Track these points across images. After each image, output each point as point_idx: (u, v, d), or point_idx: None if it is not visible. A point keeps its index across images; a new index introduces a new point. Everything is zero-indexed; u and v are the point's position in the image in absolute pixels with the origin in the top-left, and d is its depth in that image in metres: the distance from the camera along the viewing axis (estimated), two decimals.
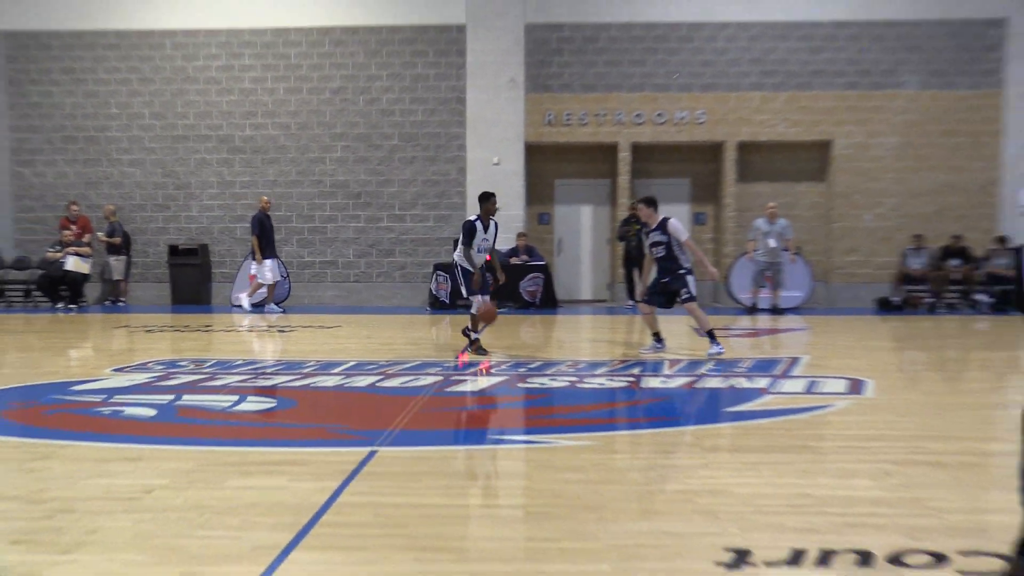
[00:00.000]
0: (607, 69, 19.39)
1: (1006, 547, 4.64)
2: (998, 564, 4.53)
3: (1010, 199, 19.40)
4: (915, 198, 19.53)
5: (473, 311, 11.48)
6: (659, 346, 11.95)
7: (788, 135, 19.48)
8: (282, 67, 19.71)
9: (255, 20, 19.67)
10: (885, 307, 18.83)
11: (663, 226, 11.73)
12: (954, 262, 18.98)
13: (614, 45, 19.34)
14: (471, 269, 11.58)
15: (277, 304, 18.38)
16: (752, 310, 18.15)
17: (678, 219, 12.22)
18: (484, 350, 11.54)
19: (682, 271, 11.76)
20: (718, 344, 11.58)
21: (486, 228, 11.66)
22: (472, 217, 11.82)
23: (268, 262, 18.05)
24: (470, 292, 11.53)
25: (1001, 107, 19.25)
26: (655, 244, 11.78)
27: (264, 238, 17.93)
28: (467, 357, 11.20)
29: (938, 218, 19.50)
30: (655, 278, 12.07)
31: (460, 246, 11.74)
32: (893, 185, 19.53)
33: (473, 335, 11.53)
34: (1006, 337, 14.91)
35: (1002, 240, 18.80)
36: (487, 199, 11.82)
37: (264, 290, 18.27)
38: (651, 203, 11.85)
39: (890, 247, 19.51)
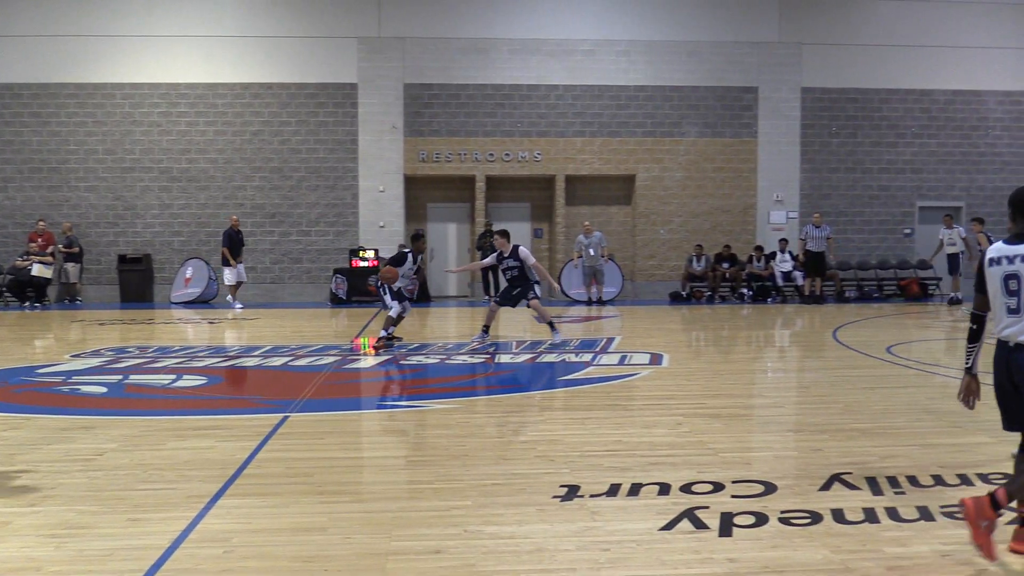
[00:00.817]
0: (467, 119, 19.53)
1: (766, 475, 5.06)
2: (760, 487, 4.86)
3: (763, 218, 20.22)
4: (696, 218, 20.15)
5: (391, 314, 11.18)
6: (485, 336, 11.64)
7: (603, 170, 19.88)
8: (212, 114, 19.26)
9: (190, 76, 19.18)
10: (676, 299, 19.35)
11: (515, 253, 11.61)
12: (725, 265, 19.54)
13: (472, 101, 19.50)
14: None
15: (228, 301, 17.93)
16: (589, 302, 18.48)
17: (525, 245, 12.44)
18: (396, 338, 11.44)
19: (529, 283, 11.63)
20: (557, 332, 11.53)
21: (414, 260, 11.46)
22: (407, 250, 11.77)
23: (239, 267, 17.73)
24: (395, 298, 11.21)
25: (756, 151, 20.07)
26: (509, 268, 11.67)
27: (231, 249, 17.57)
28: (377, 343, 10.97)
29: (713, 232, 20.14)
30: (507, 288, 11.97)
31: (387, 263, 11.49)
32: (680, 208, 20.10)
33: (384, 332, 11.17)
34: (762, 320, 15.60)
35: (759, 249, 19.57)
36: (419, 238, 11.80)
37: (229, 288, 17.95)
38: (505, 235, 11.85)
39: (679, 254, 20.08)
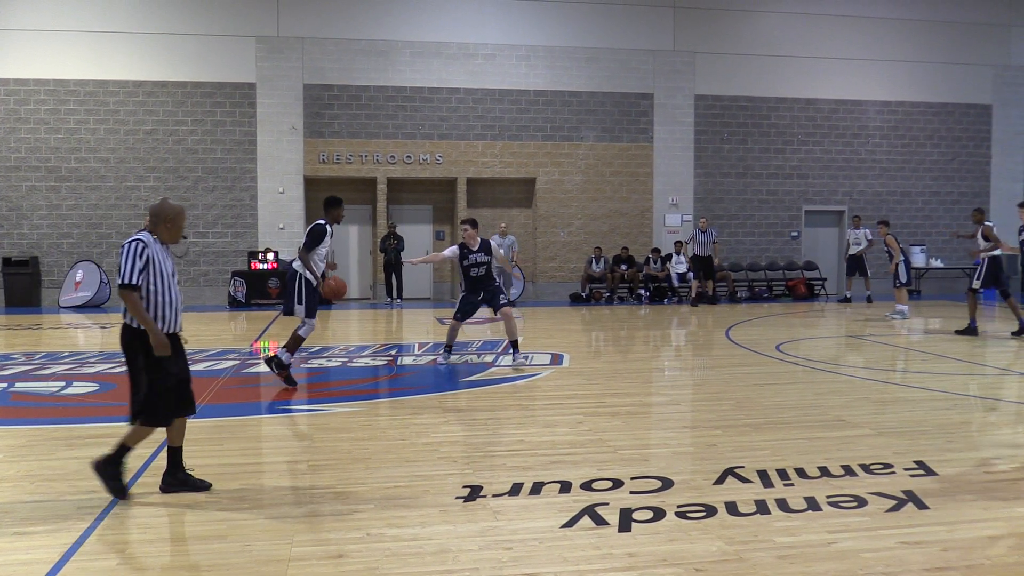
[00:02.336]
0: (368, 121, 19.34)
1: (663, 471, 5.17)
2: (657, 483, 4.97)
3: (659, 221, 20.67)
4: (595, 220, 20.45)
5: (301, 333, 8.40)
6: (448, 355, 9.97)
7: (504, 173, 19.98)
8: (102, 112, 18.53)
9: (79, 72, 18.40)
10: (576, 300, 19.57)
11: (486, 248, 9.85)
12: (623, 266, 19.86)
13: (373, 103, 19.32)
14: (313, 280, 8.30)
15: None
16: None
17: (443, 247, 11.50)
18: (293, 381, 8.40)
19: (496, 284, 9.94)
20: (519, 352, 9.84)
21: (331, 235, 8.46)
22: (321, 221, 8.51)
23: None
24: (309, 312, 8.34)
25: (652, 156, 20.52)
26: (476, 265, 9.75)
27: None
28: (279, 370, 8.40)
29: (611, 235, 20.49)
30: (466, 295, 9.87)
31: (302, 251, 8.33)
32: (579, 211, 20.36)
33: (285, 357, 8.36)
34: (658, 320, 15.93)
35: (656, 251, 19.97)
36: (337, 205, 8.68)
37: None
38: (473, 224, 9.91)
39: (578, 256, 20.34)
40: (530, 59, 19.87)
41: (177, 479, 4.91)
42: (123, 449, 4.80)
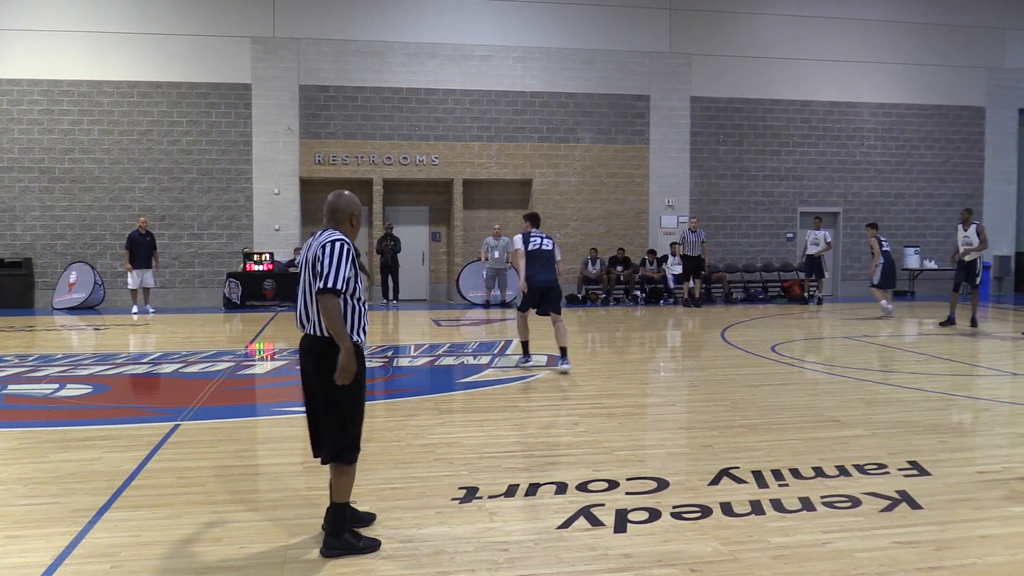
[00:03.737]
0: (364, 122, 19.33)
1: (658, 472, 5.18)
2: (653, 484, 4.98)
3: (655, 223, 20.69)
4: (591, 221, 20.46)
5: None
6: (527, 358, 9.96)
7: (500, 175, 19.98)
8: (96, 112, 18.49)
9: (73, 73, 18.36)
10: (572, 301, 19.53)
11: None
12: (619, 268, 19.86)
13: (369, 104, 19.31)
14: None
15: (139, 308, 17.17)
16: (487, 305, 18.49)
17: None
18: None
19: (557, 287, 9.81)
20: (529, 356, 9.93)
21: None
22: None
23: (141, 272, 16.98)
24: None
25: (648, 157, 20.54)
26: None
27: (132, 252, 16.85)
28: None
29: (607, 236, 20.50)
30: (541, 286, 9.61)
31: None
32: (575, 212, 20.37)
33: None
34: (654, 322, 15.94)
35: (651, 252, 19.98)
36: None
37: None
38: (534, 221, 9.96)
39: (575, 257, 20.34)
40: (526, 60, 19.88)
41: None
42: (341, 511, 4.08)
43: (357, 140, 19.31)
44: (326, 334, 3.97)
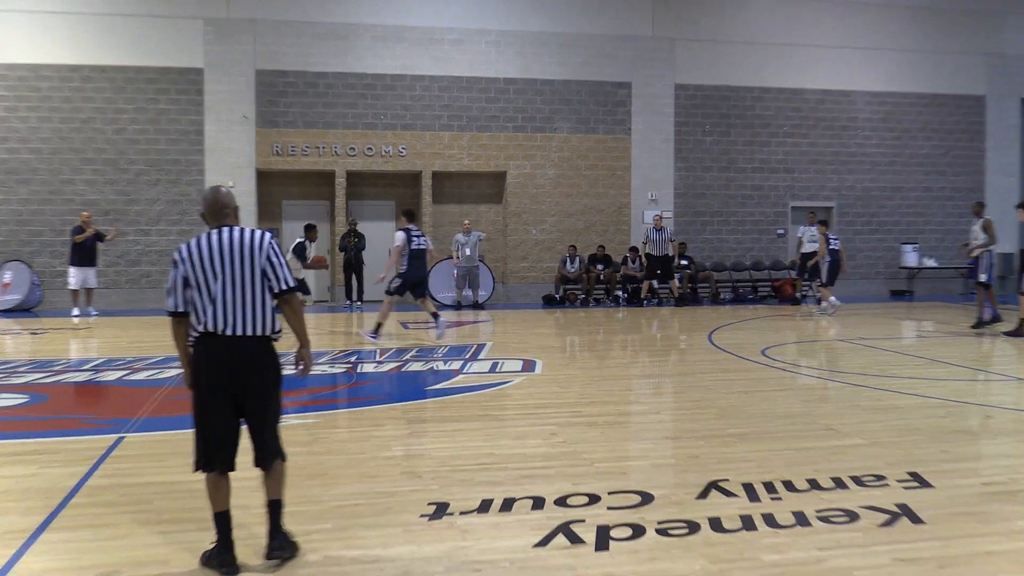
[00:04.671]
0: (326, 110, 19.22)
1: (643, 485, 5.17)
2: (637, 498, 4.96)
3: (638, 218, 20.73)
4: (569, 217, 20.48)
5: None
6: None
7: (472, 167, 19.96)
8: (35, 98, 18.24)
9: (9, 56, 18.10)
10: (549, 302, 19.59)
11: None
12: (599, 266, 19.92)
13: (331, 90, 19.21)
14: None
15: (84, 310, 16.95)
16: (458, 306, 18.47)
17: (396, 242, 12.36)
18: None
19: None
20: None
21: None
22: (301, 239, 14.35)
23: (82, 271, 16.75)
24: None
25: (630, 148, 20.59)
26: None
27: (72, 250, 16.78)
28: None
29: (587, 232, 20.53)
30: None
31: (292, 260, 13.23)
32: (553, 207, 20.39)
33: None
34: (637, 323, 15.97)
35: (634, 250, 20.01)
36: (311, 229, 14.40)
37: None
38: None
39: (552, 255, 20.36)
40: (500, 45, 19.86)
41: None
42: (277, 509, 4.20)
43: (318, 129, 19.21)
44: (271, 334, 4.18)
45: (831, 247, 16.43)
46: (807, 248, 18.83)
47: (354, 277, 18.76)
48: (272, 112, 19.08)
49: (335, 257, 19.49)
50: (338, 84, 19.27)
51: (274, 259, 4.16)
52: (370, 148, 19.42)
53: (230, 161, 18.86)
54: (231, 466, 4.14)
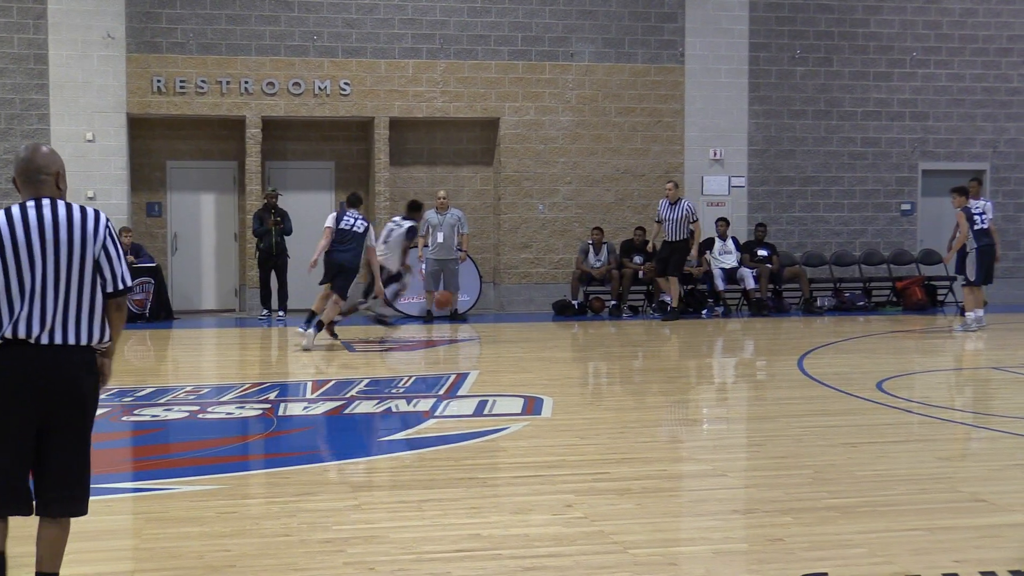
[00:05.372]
0: (231, 27, 19.20)
1: None
2: None
3: (694, 187, 20.72)
4: (593, 186, 20.48)
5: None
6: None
7: (448, 111, 19.95)
8: None
9: None
10: (563, 311, 19.52)
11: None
12: (637, 259, 19.81)
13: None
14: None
15: None
16: (429, 318, 18.41)
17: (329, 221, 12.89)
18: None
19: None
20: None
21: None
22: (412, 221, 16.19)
23: None
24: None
25: (683, 85, 20.60)
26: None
27: None
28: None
29: (619, 209, 20.51)
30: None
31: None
32: (568, 170, 20.39)
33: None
34: (692, 344, 15.92)
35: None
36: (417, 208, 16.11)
37: None
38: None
39: (567, 242, 20.37)
40: None
41: None
42: None
43: (220, 55, 19.19)
44: (98, 344, 4.38)
45: (978, 226, 16.20)
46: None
47: (274, 275, 18.70)
48: (152, 30, 19.05)
49: (244, 246, 19.45)
50: None
51: (111, 249, 4.38)
52: (297, 83, 19.40)
53: (87, 103, 18.86)
54: (18, 509, 4.35)
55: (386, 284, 15.28)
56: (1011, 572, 5.39)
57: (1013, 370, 12.79)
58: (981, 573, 5.38)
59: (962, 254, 16.31)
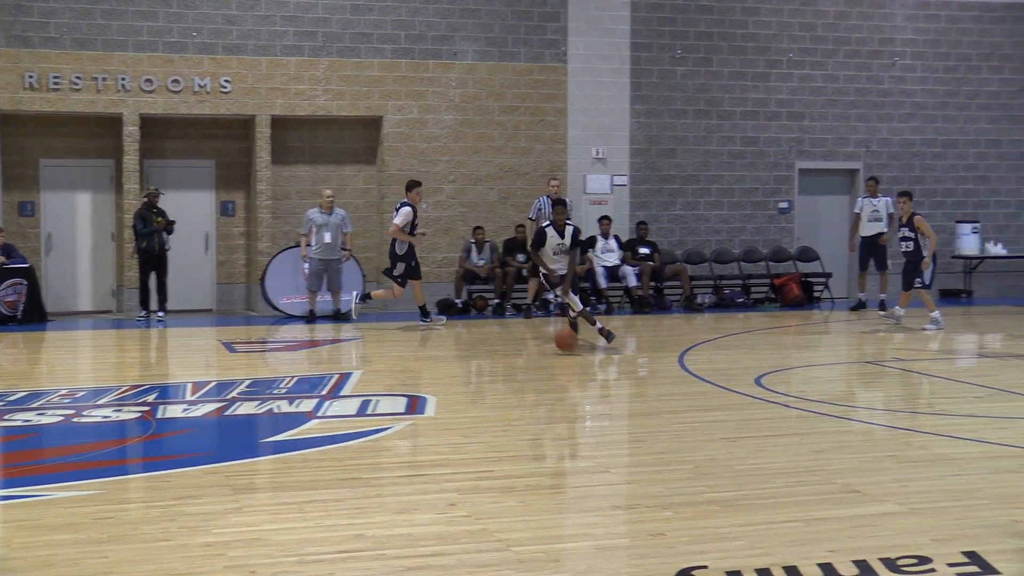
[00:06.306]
0: (107, 21, 18.87)
1: None
2: None
3: (577, 186, 20.85)
4: (477, 184, 20.51)
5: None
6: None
7: (331, 109, 19.84)
8: None
9: None
10: (447, 310, 19.47)
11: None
12: (520, 257, 19.76)
13: None
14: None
15: None
16: (311, 317, 18.28)
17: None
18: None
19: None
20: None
21: (560, 233, 14.05)
22: (546, 224, 14.73)
23: None
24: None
25: (566, 84, 20.71)
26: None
27: None
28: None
29: (502, 208, 20.57)
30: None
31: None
32: (451, 169, 20.40)
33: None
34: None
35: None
36: (561, 204, 14.56)
37: None
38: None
39: (450, 241, 20.38)
40: None
41: None
42: None
43: (97, 51, 18.84)
44: None
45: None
46: (868, 230, 19.23)
47: (154, 276, 18.41)
48: (22, 23, 18.64)
49: (122, 246, 19.15)
50: None
51: None
52: (176, 81, 19.14)
53: None
54: None
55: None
56: (881, 560, 5.50)
57: (885, 364, 13.08)
58: (854, 562, 5.49)
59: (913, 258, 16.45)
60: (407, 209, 16.42)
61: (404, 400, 10.47)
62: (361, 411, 9.96)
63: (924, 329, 15.87)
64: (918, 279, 16.16)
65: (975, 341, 15.46)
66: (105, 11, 18.88)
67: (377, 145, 20.34)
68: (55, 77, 18.73)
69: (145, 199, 18.46)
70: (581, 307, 12.87)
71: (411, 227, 16.61)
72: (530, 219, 19.11)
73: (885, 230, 19.14)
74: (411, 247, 16.71)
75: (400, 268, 16.47)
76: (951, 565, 5.44)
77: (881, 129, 22.40)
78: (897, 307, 16.51)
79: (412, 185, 16.98)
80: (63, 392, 11.17)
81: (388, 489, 7.24)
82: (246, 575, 5.37)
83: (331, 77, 19.78)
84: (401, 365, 13.32)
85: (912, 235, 16.18)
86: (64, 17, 18.76)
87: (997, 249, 22.30)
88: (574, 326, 13.77)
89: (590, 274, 19.90)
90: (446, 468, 7.75)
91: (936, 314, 16.03)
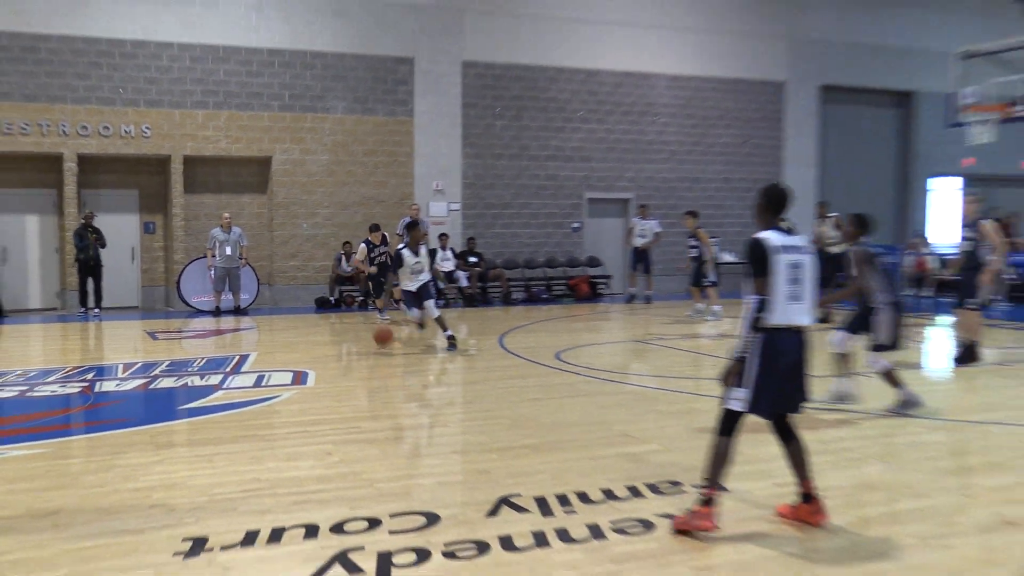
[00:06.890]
0: (50, 80, 18.17)
1: (428, 506, 5.28)
2: (422, 520, 5.07)
3: (422, 211, 20.85)
4: (345, 209, 20.40)
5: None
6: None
7: (231, 151, 19.49)
8: None
9: None
10: (323, 306, 19.44)
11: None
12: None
13: (56, 57, 18.18)
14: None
15: None
16: (216, 312, 17.98)
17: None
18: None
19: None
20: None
21: (415, 253, 12.68)
22: (401, 246, 12.87)
23: None
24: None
25: (413, 132, 20.76)
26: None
27: None
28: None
29: (365, 227, 20.28)
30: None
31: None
32: (326, 197, 20.23)
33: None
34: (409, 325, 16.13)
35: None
36: (414, 226, 13.16)
37: None
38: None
39: (326, 252, 20.20)
40: (262, 9, 19.48)
41: None
42: None
43: (41, 103, 18.14)
44: None
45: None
46: (638, 243, 19.81)
47: (91, 280, 17.89)
48: None
49: (65, 257, 18.51)
50: (64, 49, 18.25)
51: None
52: (107, 127, 18.54)
53: None
54: None
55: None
56: (647, 484, 5.72)
57: (649, 342, 13.51)
58: (627, 487, 5.69)
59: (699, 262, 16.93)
60: (362, 246, 16.85)
61: (291, 374, 10.45)
62: (257, 383, 9.95)
63: (706, 319, 16.35)
64: (705, 279, 16.83)
65: (716, 326, 15.98)
66: (48, 72, 18.18)
67: (268, 179, 20.05)
68: (7, 124, 17.93)
69: (83, 220, 17.92)
70: (437, 314, 12.75)
71: (369, 259, 16.78)
72: (397, 233, 18.85)
73: (649, 243, 19.79)
74: (380, 271, 16.45)
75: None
76: (696, 486, 5.72)
77: (647, 168, 23.01)
78: (700, 304, 16.86)
79: (374, 228, 17.21)
80: (18, 372, 10.84)
81: (278, 443, 7.25)
82: (167, 512, 5.35)
83: (231, 126, 19.43)
84: (288, 347, 13.23)
85: (697, 244, 16.77)
86: (14, 78, 17.99)
87: (729, 256, 23.13)
88: (421, 327, 13.50)
89: (433, 277, 19.92)
90: (323, 426, 7.79)
91: (718, 308, 16.57)
